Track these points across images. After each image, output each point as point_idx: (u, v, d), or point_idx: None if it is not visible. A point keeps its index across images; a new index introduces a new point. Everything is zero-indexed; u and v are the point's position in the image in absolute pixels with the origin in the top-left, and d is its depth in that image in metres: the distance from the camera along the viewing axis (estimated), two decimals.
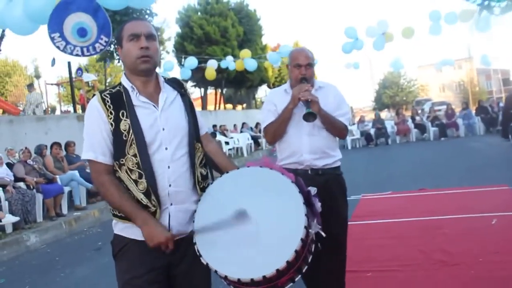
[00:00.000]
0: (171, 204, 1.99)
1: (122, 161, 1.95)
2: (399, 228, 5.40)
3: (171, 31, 46.33)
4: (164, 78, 2.13)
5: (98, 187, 1.99)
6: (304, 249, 1.83)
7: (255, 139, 19.67)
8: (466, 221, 5.31)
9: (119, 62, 24.92)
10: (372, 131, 18.29)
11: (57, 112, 24.89)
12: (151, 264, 1.96)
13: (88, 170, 9.88)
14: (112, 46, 17.51)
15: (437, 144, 15.84)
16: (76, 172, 9.26)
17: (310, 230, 1.84)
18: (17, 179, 8.06)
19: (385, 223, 5.74)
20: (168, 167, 1.97)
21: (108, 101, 1.96)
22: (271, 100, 3.04)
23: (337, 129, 2.93)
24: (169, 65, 17.51)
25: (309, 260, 1.91)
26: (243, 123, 22.23)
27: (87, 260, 5.88)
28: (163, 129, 1.98)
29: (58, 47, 6.08)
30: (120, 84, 2.04)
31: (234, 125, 22.65)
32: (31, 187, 7.97)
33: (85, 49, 6.18)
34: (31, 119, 11.65)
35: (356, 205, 6.88)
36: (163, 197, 1.96)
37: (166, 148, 1.98)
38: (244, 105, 36.18)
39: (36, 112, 13.42)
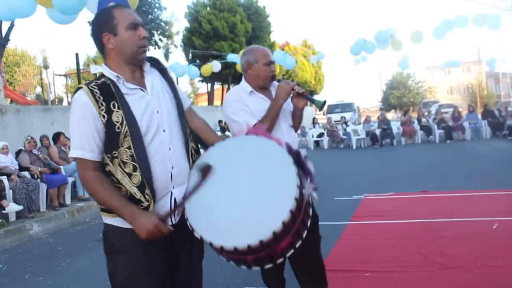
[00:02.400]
0: (173, 187, 1.96)
1: (115, 153, 1.88)
2: (399, 229, 5.40)
3: (179, 25, 46.45)
4: None
5: (84, 183, 1.93)
6: (299, 211, 1.78)
7: None
8: (467, 225, 5.30)
9: None
10: (377, 132, 18.25)
11: (65, 103, 25.03)
12: (152, 252, 1.91)
13: None
14: None
15: (442, 147, 15.77)
16: None
17: (303, 190, 1.80)
18: (22, 168, 8.13)
19: (386, 224, 5.73)
20: (169, 148, 1.95)
21: (97, 93, 1.88)
22: (241, 101, 2.85)
23: (299, 125, 3.03)
24: (182, 71, 17.10)
25: (308, 223, 1.88)
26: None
27: (89, 251, 5.92)
28: (157, 112, 1.96)
29: None
30: (102, 75, 1.97)
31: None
32: (36, 177, 8.03)
33: None
34: (38, 109, 11.72)
35: (358, 205, 6.89)
36: (163, 183, 1.92)
37: (164, 130, 1.95)
38: None
39: None
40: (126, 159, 1.88)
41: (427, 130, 18.19)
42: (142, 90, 1.96)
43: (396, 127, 18.98)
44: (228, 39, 25.81)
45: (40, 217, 7.47)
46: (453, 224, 5.41)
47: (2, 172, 7.62)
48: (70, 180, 8.77)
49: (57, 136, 9.55)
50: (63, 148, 9.45)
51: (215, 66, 17.45)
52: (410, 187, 8.04)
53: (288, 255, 1.82)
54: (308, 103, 2.86)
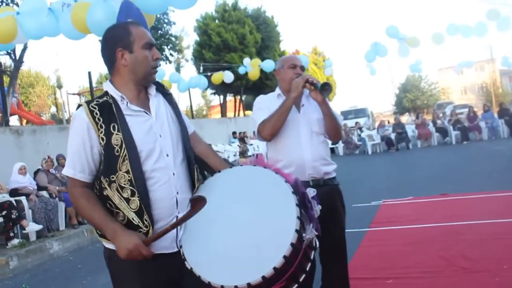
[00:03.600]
0: (179, 213, 1.90)
1: (113, 178, 1.82)
2: (420, 234, 5.31)
3: (189, 39, 46.80)
4: None
5: (71, 198, 1.89)
6: (297, 255, 1.69)
7: None
8: (489, 227, 5.20)
9: None
10: (392, 136, 18.10)
11: None
12: (159, 279, 1.87)
13: None
14: None
15: (459, 148, 15.59)
16: None
17: (303, 235, 1.72)
18: (40, 188, 8.22)
19: (406, 229, 5.66)
20: (173, 173, 1.89)
21: (97, 114, 1.82)
22: (262, 102, 2.97)
23: (336, 125, 2.88)
24: (193, 82, 17.13)
25: (307, 268, 1.79)
26: (254, 132, 22.26)
27: None
28: (160, 136, 1.90)
29: None
30: (106, 93, 1.90)
31: (254, 132, 22.64)
32: (54, 196, 8.11)
33: None
34: (53, 128, 11.86)
35: (377, 211, 6.81)
36: (168, 208, 1.87)
37: (167, 155, 1.90)
38: None
39: None
40: (124, 184, 1.81)
41: (443, 132, 18.00)
42: (146, 113, 1.90)
43: (411, 130, 18.82)
44: (238, 50, 25.95)
45: (59, 236, 7.53)
46: (474, 226, 5.31)
47: (21, 193, 7.71)
48: None
49: None
50: None
51: (227, 76, 17.48)
52: (429, 190, 7.93)
53: None
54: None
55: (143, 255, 1.75)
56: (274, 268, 1.60)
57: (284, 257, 1.62)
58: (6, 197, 7.45)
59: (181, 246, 1.83)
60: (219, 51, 26.09)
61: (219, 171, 2.02)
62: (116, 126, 1.82)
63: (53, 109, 28.55)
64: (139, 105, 1.91)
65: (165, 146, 1.90)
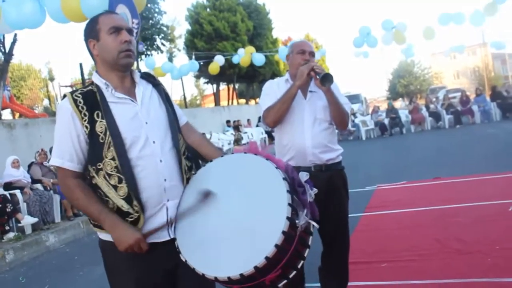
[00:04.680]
0: (168, 200, 1.89)
1: (100, 165, 1.82)
2: (414, 218, 5.37)
3: (181, 28, 46.56)
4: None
5: (64, 191, 1.89)
6: (291, 243, 1.67)
7: (269, 133, 19.70)
8: (482, 209, 5.25)
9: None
10: (386, 121, 18.15)
11: None
12: (152, 267, 1.88)
13: None
14: None
15: (452, 132, 15.66)
16: None
17: (297, 221, 1.68)
18: (34, 181, 8.20)
19: (400, 213, 5.70)
20: (160, 160, 1.87)
21: (80, 102, 1.83)
22: (270, 87, 2.99)
23: (341, 114, 2.85)
24: (185, 68, 17.03)
25: (305, 253, 1.77)
26: (259, 117, 22.28)
27: None
28: (146, 123, 1.89)
29: None
30: (92, 83, 1.92)
31: (248, 120, 22.69)
32: (48, 188, 8.09)
33: None
34: (46, 121, 11.80)
35: (371, 196, 6.86)
36: (156, 196, 1.86)
37: (154, 142, 1.88)
38: (257, 99, 36.21)
39: None
40: (111, 171, 1.81)
41: (436, 116, 18.07)
42: (132, 100, 1.90)
43: (404, 115, 18.87)
44: (230, 38, 25.86)
45: (55, 228, 7.52)
46: (467, 209, 5.37)
47: (15, 186, 7.69)
48: None
49: None
50: None
51: (219, 61, 17.40)
52: (422, 174, 7.98)
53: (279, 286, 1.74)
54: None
55: (142, 249, 1.78)
56: (266, 258, 1.59)
57: (276, 245, 1.59)
58: (0, 190, 7.42)
59: (175, 238, 1.83)
60: (211, 39, 25.98)
61: (211, 161, 2.02)
62: (100, 114, 1.83)
63: (45, 102, 28.39)
64: (124, 93, 1.90)
65: (151, 133, 1.88)
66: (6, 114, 17.10)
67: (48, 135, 10.93)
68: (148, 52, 24.25)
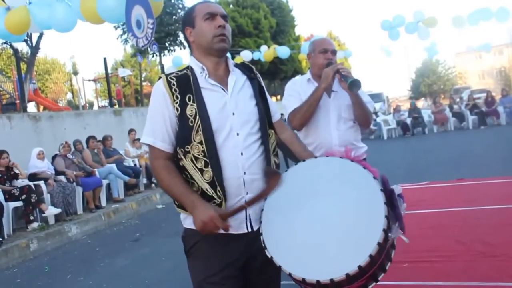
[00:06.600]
0: (247, 193, 1.87)
1: (188, 148, 1.85)
2: (437, 219, 5.29)
3: None
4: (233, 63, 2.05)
5: (152, 171, 1.94)
6: (380, 255, 1.66)
7: None
8: (507, 212, 5.14)
9: (153, 56, 25.28)
10: (408, 121, 17.93)
11: (95, 107, 25.52)
12: (226, 259, 1.88)
13: (125, 163, 10.12)
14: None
15: (476, 133, 15.38)
16: (113, 166, 9.50)
17: (389, 234, 1.67)
18: (58, 172, 8.34)
19: (422, 213, 5.62)
20: (241, 153, 1.86)
21: (174, 84, 1.87)
22: (293, 87, 2.96)
23: (365, 114, 2.83)
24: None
25: (387, 267, 1.77)
26: (281, 114, 22.19)
27: (126, 251, 6.03)
28: (233, 114, 1.88)
29: (135, 44, 6.07)
30: (188, 67, 1.96)
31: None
32: (71, 180, 8.22)
33: (144, 39, 6.05)
34: (70, 114, 11.98)
35: None
36: (235, 187, 1.85)
37: (238, 134, 1.87)
38: (279, 96, 36.13)
39: None
40: (198, 154, 1.84)
41: (460, 116, 17.76)
42: (223, 89, 1.91)
43: (427, 115, 18.61)
44: (253, 35, 25.86)
45: (77, 220, 7.65)
46: (491, 211, 5.27)
47: (39, 177, 7.84)
48: (105, 182, 8.93)
49: (87, 141, 9.74)
50: (96, 151, 9.64)
51: (245, 56, 17.35)
52: (445, 175, 7.86)
53: None
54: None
55: (217, 227, 1.75)
56: (359, 267, 1.58)
57: (370, 256, 1.59)
58: (25, 181, 7.57)
59: (261, 234, 1.81)
60: (234, 36, 25.93)
61: (304, 160, 1.99)
62: (191, 97, 1.86)
63: (69, 96, 28.84)
64: (217, 80, 1.92)
65: (236, 125, 1.88)
66: (31, 107, 17.42)
67: (72, 128, 11.10)
68: (171, 48, 24.41)
